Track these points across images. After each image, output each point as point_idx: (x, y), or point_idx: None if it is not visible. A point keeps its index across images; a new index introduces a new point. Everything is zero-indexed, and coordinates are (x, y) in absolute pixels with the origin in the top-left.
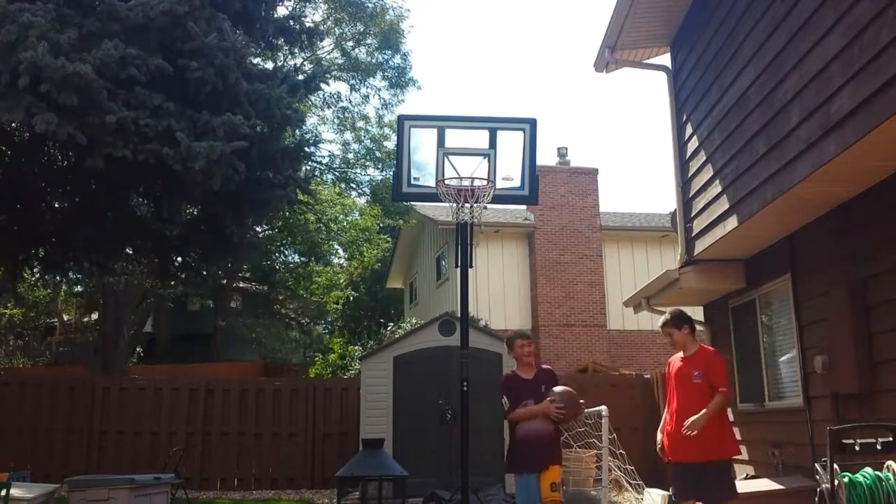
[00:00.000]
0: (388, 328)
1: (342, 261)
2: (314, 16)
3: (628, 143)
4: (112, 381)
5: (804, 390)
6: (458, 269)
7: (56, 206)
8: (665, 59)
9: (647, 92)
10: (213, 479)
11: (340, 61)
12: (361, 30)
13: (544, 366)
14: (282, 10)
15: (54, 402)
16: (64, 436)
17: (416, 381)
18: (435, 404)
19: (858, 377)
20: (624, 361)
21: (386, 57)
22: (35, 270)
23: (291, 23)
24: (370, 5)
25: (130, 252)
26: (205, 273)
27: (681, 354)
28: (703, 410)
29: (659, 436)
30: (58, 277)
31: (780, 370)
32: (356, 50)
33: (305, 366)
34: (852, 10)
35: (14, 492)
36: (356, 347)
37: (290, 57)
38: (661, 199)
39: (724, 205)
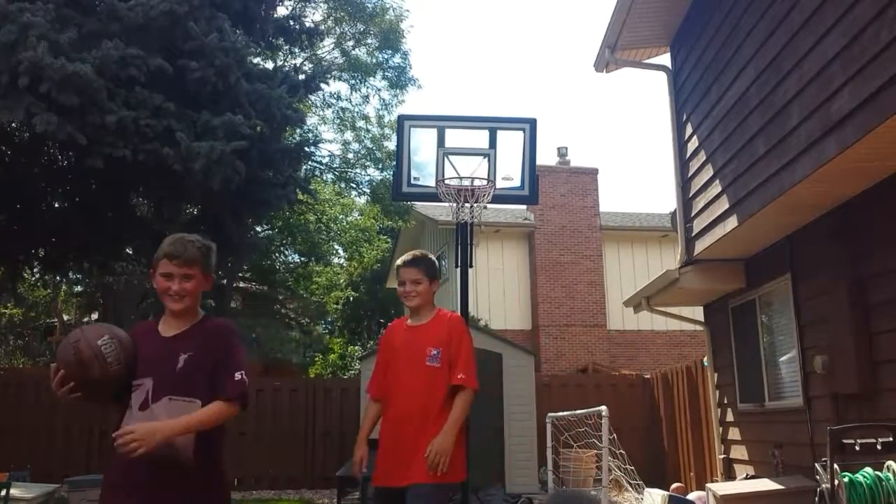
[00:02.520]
0: None
1: (342, 261)
2: (314, 16)
3: (628, 143)
4: None
5: (804, 390)
6: (458, 269)
7: (56, 206)
8: (665, 59)
9: (647, 92)
10: None
11: (340, 61)
12: (361, 30)
13: (449, 313)
14: (282, 10)
15: (55, 402)
16: (64, 436)
17: None
18: None
19: (858, 377)
20: (624, 361)
21: (386, 57)
22: (35, 270)
23: (291, 23)
24: (370, 5)
25: (130, 252)
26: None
27: (408, 321)
28: (448, 424)
29: (358, 452)
30: (58, 277)
31: (781, 370)
32: (356, 50)
33: (305, 366)
34: (852, 9)
35: (14, 492)
36: (356, 348)
37: (290, 57)
38: (661, 199)
39: (724, 205)
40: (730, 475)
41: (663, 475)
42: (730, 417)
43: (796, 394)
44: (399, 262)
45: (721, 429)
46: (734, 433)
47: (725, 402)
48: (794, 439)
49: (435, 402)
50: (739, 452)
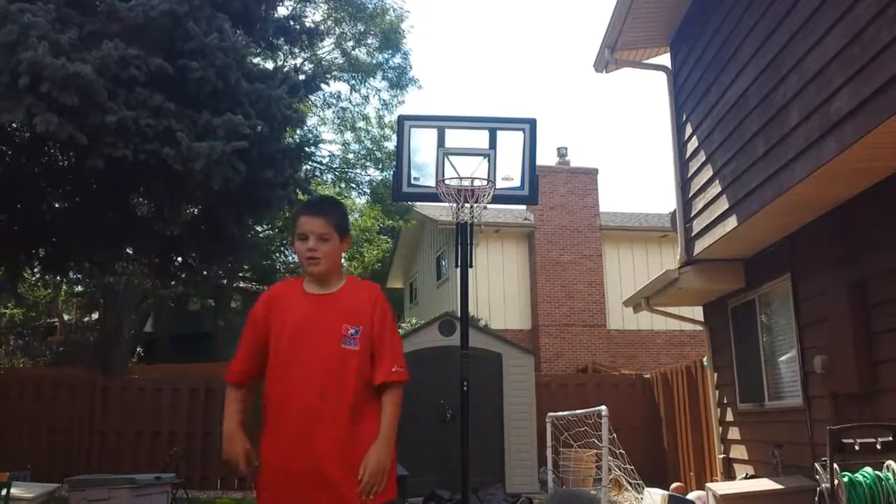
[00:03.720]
0: None
1: (342, 261)
2: (314, 16)
3: (628, 143)
4: (112, 381)
5: (804, 390)
6: (458, 269)
7: (56, 206)
8: (665, 59)
9: (647, 92)
10: (213, 479)
11: (341, 61)
12: (362, 30)
13: (365, 281)
14: (282, 10)
15: (55, 401)
16: (64, 436)
17: (417, 380)
18: (435, 404)
19: (858, 377)
20: (624, 361)
21: (386, 57)
22: (35, 270)
23: (292, 23)
24: (370, 5)
25: (131, 252)
26: (205, 273)
27: (306, 287)
28: (382, 434)
29: (237, 445)
30: (58, 277)
31: (780, 370)
32: (356, 50)
33: None
34: (852, 9)
35: (15, 491)
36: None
37: (290, 57)
38: (660, 199)
39: (723, 205)
40: (729, 475)
41: (663, 475)
42: (729, 417)
43: (796, 394)
44: (300, 208)
45: (721, 428)
46: (734, 433)
47: (725, 401)
48: (794, 439)
49: (349, 397)
50: (739, 452)
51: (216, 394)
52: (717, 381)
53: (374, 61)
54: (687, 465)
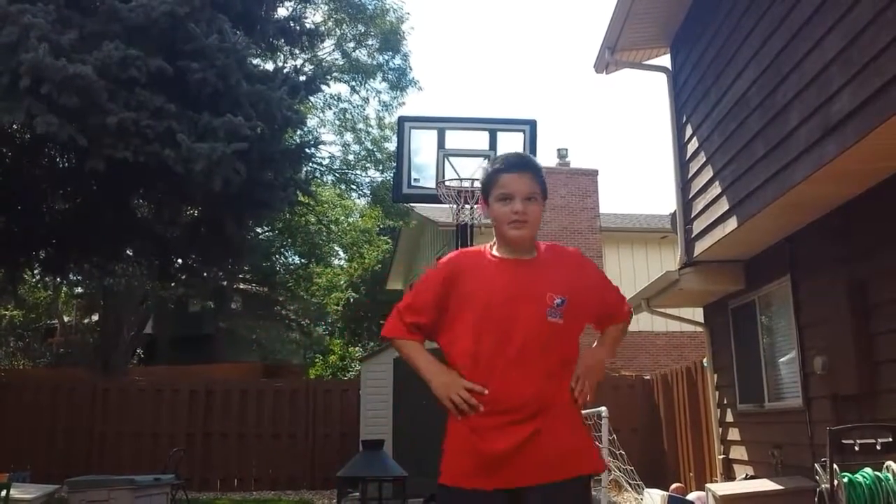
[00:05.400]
0: None
1: (342, 262)
2: (315, 17)
3: (628, 144)
4: (112, 383)
5: (804, 391)
6: None
7: (56, 207)
8: (665, 60)
9: (646, 92)
10: (213, 480)
11: (341, 62)
12: (362, 31)
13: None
14: (282, 11)
15: (55, 403)
16: (64, 437)
17: (418, 382)
18: (436, 405)
19: (858, 378)
20: (624, 362)
21: (386, 58)
22: (35, 272)
23: (292, 24)
24: (371, 7)
25: (130, 253)
26: (205, 275)
27: (495, 251)
28: (601, 345)
29: (459, 383)
30: (58, 279)
31: (780, 371)
32: (357, 51)
33: (306, 367)
34: (851, 11)
35: (14, 492)
36: (356, 349)
37: (290, 58)
38: (660, 200)
39: (723, 206)
40: (729, 475)
41: (663, 475)
42: (729, 418)
43: (796, 394)
44: (501, 164)
45: (721, 429)
46: (734, 434)
47: (725, 402)
48: (794, 440)
49: (560, 378)
50: (739, 453)
51: (216, 395)
52: (717, 382)
53: (375, 63)
54: (687, 465)
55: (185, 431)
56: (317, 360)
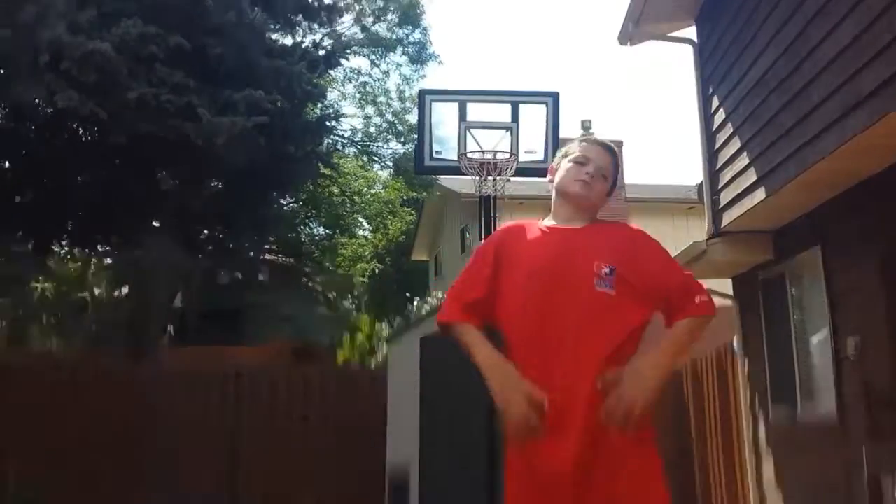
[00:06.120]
0: (415, 303)
1: (367, 233)
2: None
3: (650, 114)
4: (145, 370)
5: (837, 385)
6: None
7: (80, 180)
8: (691, 32)
9: (668, 63)
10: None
11: (360, 37)
12: (381, 6)
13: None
14: None
15: (87, 394)
16: (100, 430)
17: (448, 370)
18: (471, 392)
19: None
20: (644, 345)
21: (406, 32)
22: (63, 244)
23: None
24: None
25: (157, 225)
26: (231, 246)
27: (547, 222)
28: (660, 350)
29: (524, 394)
30: (86, 250)
31: (813, 357)
32: (376, 26)
33: (334, 349)
34: None
35: None
36: (382, 326)
37: (309, 33)
38: (685, 170)
39: (751, 177)
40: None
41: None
42: (762, 431)
43: (829, 388)
44: (589, 138)
45: (753, 441)
46: (765, 448)
47: (756, 404)
48: (828, 452)
49: (607, 349)
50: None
51: (246, 382)
52: (748, 369)
53: (395, 37)
54: (715, 459)
55: (206, 417)
56: (345, 340)
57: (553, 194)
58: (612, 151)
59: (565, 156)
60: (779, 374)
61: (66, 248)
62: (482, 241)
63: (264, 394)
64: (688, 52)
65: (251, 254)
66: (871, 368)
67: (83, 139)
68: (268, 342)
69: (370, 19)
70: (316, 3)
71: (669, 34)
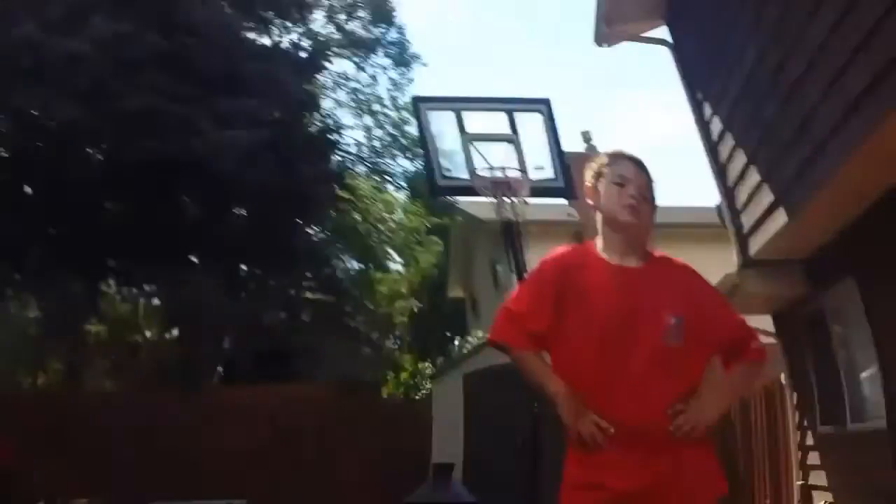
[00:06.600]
0: (456, 343)
1: (399, 267)
2: None
3: (658, 123)
4: (197, 407)
5: (888, 410)
6: (515, 277)
7: (105, 206)
8: (666, 32)
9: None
10: None
11: (337, 37)
12: (350, 1)
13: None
14: None
15: (138, 427)
16: (150, 462)
17: (489, 402)
18: (511, 427)
19: None
20: None
21: (382, 31)
22: (111, 283)
23: None
24: None
25: (195, 260)
26: (271, 282)
27: (605, 255)
28: (723, 387)
29: (582, 414)
30: (133, 289)
31: (863, 388)
32: (350, 23)
33: (378, 385)
34: None
35: None
36: (426, 364)
37: (284, 32)
38: (703, 188)
39: (768, 195)
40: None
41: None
42: (809, 441)
43: (880, 415)
44: (619, 154)
45: (800, 453)
46: (814, 458)
47: (805, 424)
48: (878, 464)
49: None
50: (819, 478)
51: (292, 417)
52: (797, 401)
53: (371, 36)
54: (763, 493)
55: (259, 453)
56: (388, 376)
57: (599, 219)
58: (644, 168)
59: (599, 175)
60: (828, 403)
61: (115, 289)
62: (542, 260)
63: (309, 428)
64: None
65: (292, 292)
66: None
67: (93, 159)
68: (314, 381)
69: (342, 17)
70: None
71: (642, 34)
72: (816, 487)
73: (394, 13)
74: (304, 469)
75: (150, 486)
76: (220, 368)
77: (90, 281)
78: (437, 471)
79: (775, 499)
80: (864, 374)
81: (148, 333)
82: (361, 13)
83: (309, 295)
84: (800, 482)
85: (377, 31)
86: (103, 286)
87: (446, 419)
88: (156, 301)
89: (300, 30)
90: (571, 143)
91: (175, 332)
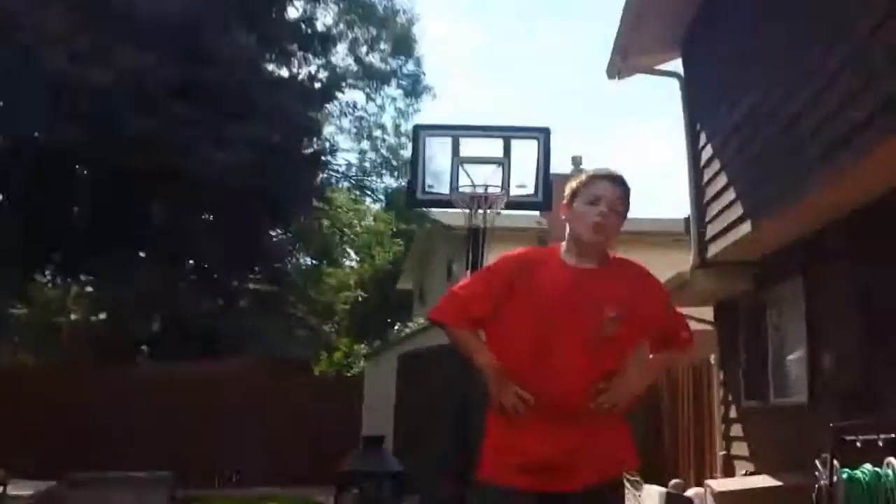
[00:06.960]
0: (395, 328)
1: (353, 263)
2: (326, 18)
3: (639, 146)
4: (113, 378)
5: (810, 388)
6: (469, 272)
7: (75, 211)
8: (678, 66)
9: (655, 96)
10: (211, 476)
11: (355, 69)
12: (374, 34)
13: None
14: (293, 13)
15: (54, 398)
16: (64, 432)
17: (422, 380)
18: (440, 405)
19: (865, 376)
20: None
21: (400, 63)
22: (47, 273)
23: (303, 25)
24: (381, 6)
25: (143, 256)
26: (215, 277)
27: (565, 257)
28: (645, 363)
29: (504, 384)
30: (68, 280)
31: (788, 368)
32: (370, 55)
33: (310, 363)
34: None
35: (11, 489)
36: (361, 346)
37: (304, 64)
38: (671, 203)
39: (737, 210)
40: (730, 472)
41: (662, 473)
42: (733, 414)
43: (802, 392)
44: (599, 172)
45: (724, 426)
46: (736, 430)
47: (730, 399)
48: (797, 437)
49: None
50: (741, 449)
51: (217, 390)
52: (723, 378)
53: (389, 68)
54: (687, 462)
55: (184, 425)
56: (321, 356)
57: (567, 228)
58: (620, 181)
59: (575, 193)
60: (753, 381)
61: (49, 277)
62: (502, 255)
63: (237, 400)
64: (675, 86)
65: (235, 283)
66: (844, 379)
67: (76, 172)
68: (244, 359)
69: (364, 49)
70: (309, 30)
71: (656, 67)
72: (738, 458)
73: (415, 44)
74: (230, 440)
75: (67, 460)
76: (144, 347)
77: (25, 270)
78: (367, 442)
79: (699, 467)
80: (790, 356)
81: (73, 316)
82: (384, 45)
83: (252, 286)
84: (723, 452)
85: (395, 63)
86: (39, 276)
87: (378, 396)
88: (89, 289)
89: (320, 62)
90: (564, 167)
91: (102, 315)
